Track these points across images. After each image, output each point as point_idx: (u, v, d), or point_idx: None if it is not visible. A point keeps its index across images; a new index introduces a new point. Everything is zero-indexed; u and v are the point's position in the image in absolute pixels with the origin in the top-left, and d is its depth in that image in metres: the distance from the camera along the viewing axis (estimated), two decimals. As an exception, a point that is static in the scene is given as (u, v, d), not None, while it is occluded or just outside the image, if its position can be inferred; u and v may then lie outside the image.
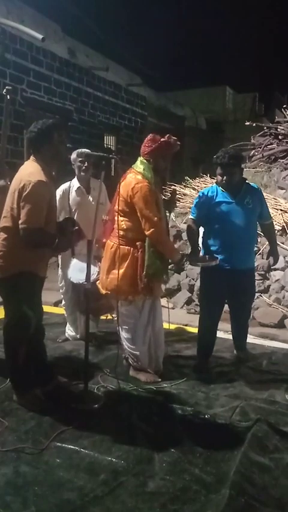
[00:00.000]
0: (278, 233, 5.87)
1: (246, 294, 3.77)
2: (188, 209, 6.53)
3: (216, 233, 3.54)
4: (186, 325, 4.81)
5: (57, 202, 4.11)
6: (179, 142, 3.34)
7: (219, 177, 3.49)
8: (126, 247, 3.30)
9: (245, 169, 8.44)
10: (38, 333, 3.06)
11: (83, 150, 4.28)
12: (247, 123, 9.31)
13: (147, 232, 3.20)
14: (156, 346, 3.49)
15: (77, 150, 4.26)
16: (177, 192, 7.04)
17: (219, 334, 4.66)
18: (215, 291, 3.60)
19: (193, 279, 5.73)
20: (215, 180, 3.66)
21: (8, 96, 3.66)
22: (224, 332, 4.77)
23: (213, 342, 3.80)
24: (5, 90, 3.63)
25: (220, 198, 3.52)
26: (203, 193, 3.64)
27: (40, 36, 7.63)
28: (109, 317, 4.48)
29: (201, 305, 3.97)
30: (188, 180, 8.17)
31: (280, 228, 5.87)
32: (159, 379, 3.39)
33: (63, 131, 2.90)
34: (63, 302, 4.40)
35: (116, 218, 3.35)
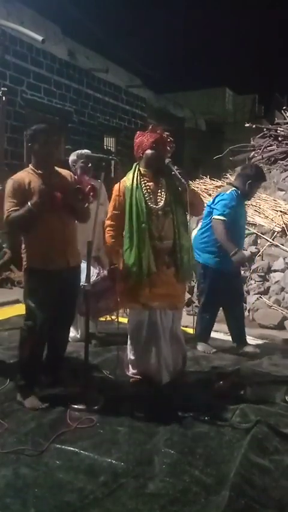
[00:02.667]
0: (278, 234, 5.88)
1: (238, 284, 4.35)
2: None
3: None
4: (186, 327, 4.80)
5: None
6: (158, 131, 3.24)
7: (251, 190, 4.11)
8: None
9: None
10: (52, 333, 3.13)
11: (83, 151, 4.29)
12: (247, 125, 9.30)
13: None
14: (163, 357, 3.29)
15: (77, 152, 4.26)
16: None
17: (220, 335, 4.69)
18: (217, 289, 4.11)
19: (192, 280, 5.72)
20: (241, 189, 4.07)
21: (4, 98, 3.67)
22: (224, 333, 4.78)
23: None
24: (0, 92, 3.64)
25: (239, 203, 4.07)
26: (232, 197, 4.00)
27: (40, 38, 7.64)
28: (108, 318, 4.48)
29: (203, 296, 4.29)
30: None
31: (280, 229, 5.88)
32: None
33: (45, 135, 3.00)
34: None
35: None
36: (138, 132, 3.32)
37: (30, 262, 3.00)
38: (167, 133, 3.28)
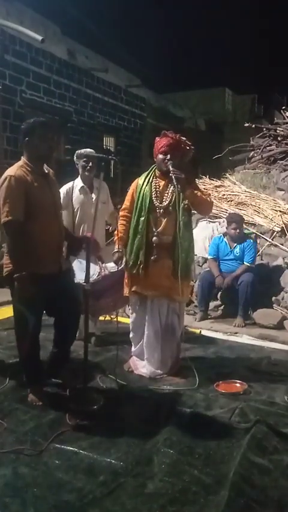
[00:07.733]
0: (278, 234, 5.88)
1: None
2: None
3: None
4: (185, 327, 4.80)
5: (61, 200, 4.15)
6: (170, 135, 3.40)
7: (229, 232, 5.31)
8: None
9: (244, 171, 8.47)
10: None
11: (86, 150, 4.33)
12: (246, 125, 9.27)
13: None
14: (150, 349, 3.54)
15: (77, 151, 4.29)
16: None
17: (219, 335, 4.69)
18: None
19: (192, 281, 5.72)
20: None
21: None
22: (223, 333, 4.78)
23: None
24: None
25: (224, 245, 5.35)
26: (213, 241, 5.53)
27: (39, 37, 7.64)
28: (107, 318, 4.49)
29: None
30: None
31: (279, 229, 5.88)
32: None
33: (45, 129, 2.88)
34: None
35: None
36: (157, 137, 3.51)
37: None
38: (183, 138, 3.46)
